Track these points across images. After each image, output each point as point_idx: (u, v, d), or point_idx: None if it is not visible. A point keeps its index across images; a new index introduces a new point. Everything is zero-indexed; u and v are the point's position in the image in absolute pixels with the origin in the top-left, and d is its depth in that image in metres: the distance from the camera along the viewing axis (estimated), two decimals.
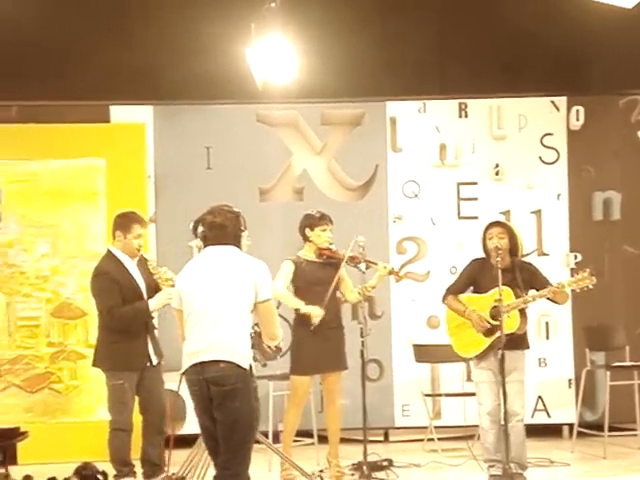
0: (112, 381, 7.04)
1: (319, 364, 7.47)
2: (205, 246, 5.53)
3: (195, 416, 5.48)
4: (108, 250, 7.21)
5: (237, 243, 5.52)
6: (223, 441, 5.30)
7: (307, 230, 7.59)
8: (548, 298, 7.10)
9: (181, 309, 5.47)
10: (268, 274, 5.48)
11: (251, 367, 5.37)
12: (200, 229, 5.55)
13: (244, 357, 5.33)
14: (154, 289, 7.12)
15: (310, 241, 7.59)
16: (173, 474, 6.82)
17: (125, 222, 7.14)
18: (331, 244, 7.56)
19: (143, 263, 7.17)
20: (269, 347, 5.79)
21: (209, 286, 5.37)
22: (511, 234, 7.21)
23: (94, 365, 7.21)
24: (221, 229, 5.46)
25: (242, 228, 5.55)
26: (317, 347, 7.43)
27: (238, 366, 5.29)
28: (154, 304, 7.04)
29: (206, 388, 5.30)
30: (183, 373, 5.44)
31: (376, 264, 7.53)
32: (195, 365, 5.34)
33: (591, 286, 7.03)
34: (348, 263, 7.46)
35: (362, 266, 7.46)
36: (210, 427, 5.37)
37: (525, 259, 7.48)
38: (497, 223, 7.37)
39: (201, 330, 5.35)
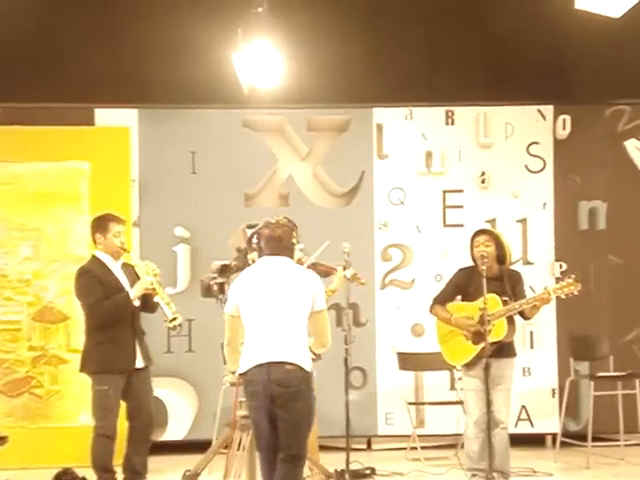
0: (97, 386, 6.99)
1: None
2: (259, 257, 5.90)
3: (249, 414, 5.82)
4: (92, 254, 7.21)
5: (291, 255, 5.88)
6: (286, 437, 5.62)
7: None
8: (520, 312, 7.10)
9: (235, 315, 5.75)
10: (322, 285, 5.88)
11: (311, 371, 5.72)
12: (254, 241, 6.00)
13: (307, 361, 5.69)
14: None
15: None
16: (187, 471, 6.87)
17: (102, 223, 7.14)
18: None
19: (127, 266, 7.14)
20: (313, 353, 5.97)
21: (271, 294, 5.68)
22: (498, 242, 7.20)
23: (81, 370, 7.16)
24: (278, 241, 5.81)
25: (294, 241, 5.88)
26: None
27: (302, 369, 5.63)
28: (134, 292, 7.01)
29: (269, 388, 5.58)
30: (243, 374, 5.69)
31: (335, 270, 7.47)
32: (261, 366, 5.60)
33: (576, 292, 7.02)
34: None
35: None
36: (264, 426, 5.65)
37: (512, 267, 7.45)
38: (483, 231, 7.35)
39: (265, 334, 5.65)
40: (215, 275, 6.98)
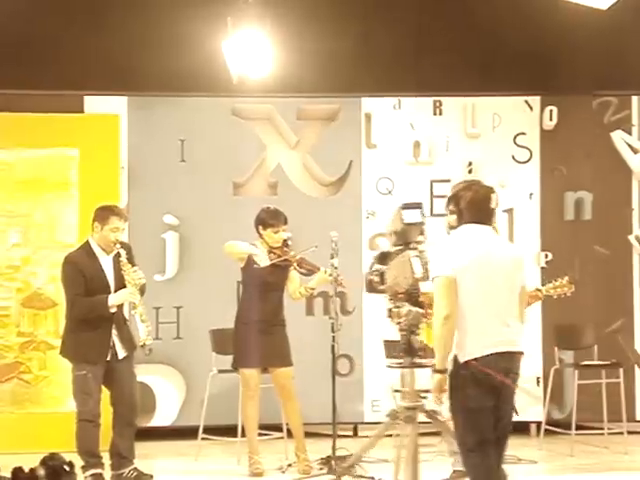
0: (76, 371, 7.05)
1: (263, 358, 7.51)
2: (459, 223, 5.29)
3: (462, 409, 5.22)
4: (86, 240, 7.21)
5: (492, 221, 5.34)
6: (504, 434, 5.24)
7: (260, 227, 7.66)
8: None
9: (452, 277, 5.07)
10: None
11: None
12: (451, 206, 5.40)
13: None
14: (124, 286, 7.08)
15: (262, 238, 7.66)
16: (327, 457, 6.82)
17: (103, 214, 7.13)
18: (286, 241, 7.60)
19: (118, 259, 7.13)
20: None
21: (496, 274, 5.11)
22: None
23: (60, 354, 7.23)
24: (482, 204, 5.23)
25: (493, 206, 5.32)
26: (259, 341, 7.49)
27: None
28: (114, 299, 7.01)
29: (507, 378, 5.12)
30: (475, 360, 5.08)
31: (318, 269, 7.54)
32: (503, 354, 5.07)
33: (569, 294, 7.07)
34: (295, 268, 7.52)
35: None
36: (490, 418, 5.15)
37: None
38: None
39: (499, 318, 5.11)
40: (373, 263, 6.44)
